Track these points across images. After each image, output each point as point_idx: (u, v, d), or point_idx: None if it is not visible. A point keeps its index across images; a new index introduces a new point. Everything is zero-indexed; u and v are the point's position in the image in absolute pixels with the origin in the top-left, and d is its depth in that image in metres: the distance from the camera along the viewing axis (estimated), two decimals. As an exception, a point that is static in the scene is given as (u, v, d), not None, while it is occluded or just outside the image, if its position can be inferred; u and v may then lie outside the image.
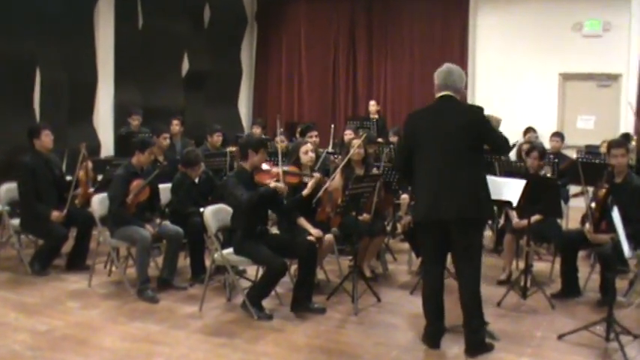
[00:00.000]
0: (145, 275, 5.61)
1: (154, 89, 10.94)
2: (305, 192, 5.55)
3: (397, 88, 12.70)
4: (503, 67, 11.65)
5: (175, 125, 8.88)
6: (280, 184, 5.20)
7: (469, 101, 11.19)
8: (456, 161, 4.18)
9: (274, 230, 5.92)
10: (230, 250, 5.29)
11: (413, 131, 4.40)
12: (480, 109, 4.37)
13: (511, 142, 8.56)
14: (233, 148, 7.83)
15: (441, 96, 4.34)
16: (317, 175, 5.65)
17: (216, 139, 8.47)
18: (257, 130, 10.03)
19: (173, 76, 11.58)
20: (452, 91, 4.31)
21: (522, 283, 5.63)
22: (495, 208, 7.28)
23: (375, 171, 6.29)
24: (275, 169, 5.39)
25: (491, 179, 4.64)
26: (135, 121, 9.26)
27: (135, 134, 8.09)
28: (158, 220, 5.97)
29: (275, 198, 5.34)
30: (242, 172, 5.30)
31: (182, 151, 7.56)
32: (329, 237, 5.70)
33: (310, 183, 5.58)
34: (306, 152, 5.83)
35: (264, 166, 5.39)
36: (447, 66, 4.41)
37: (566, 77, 11.34)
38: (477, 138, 4.26)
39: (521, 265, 6.05)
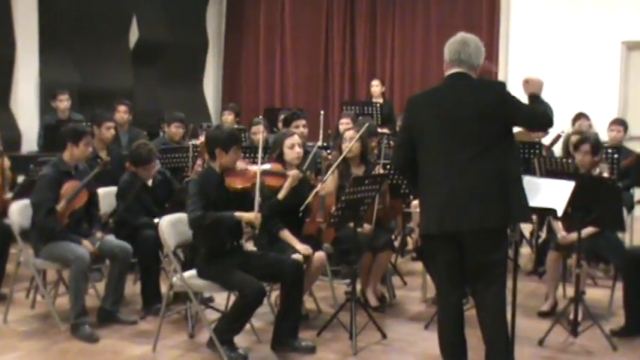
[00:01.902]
0: (80, 306, 5.61)
1: (93, 65, 10.94)
2: (280, 195, 5.61)
3: (408, 63, 12.76)
4: (547, 34, 11.66)
5: (122, 112, 8.90)
6: (252, 215, 5.16)
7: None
8: (474, 155, 4.20)
9: (250, 247, 5.95)
10: (193, 272, 5.32)
11: (416, 119, 4.43)
12: (502, 85, 4.42)
13: (557, 132, 8.65)
14: (199, 141, 7.83)
15: (452, 74, 4.38)
16: (293, 172, 5.70)
17: (174, 130, 8.46)
18: (229, 117, 10.07)
19: (118, 48, 11.61)
20: (466, 68, 4.35)
21: (572, 316, 5.67)
22: (534, 218, 7.33)
23: (378, 170, 6.34)
24: (252, 169, 5.42)
25: (528, 180, 4.67)
26: (62, 104, 9.21)
27: (66, 122, 8.08)
28: (99, 234, 5.98)
29: (246, 206, 5.37)
30: (209, 173, 5.31)
31: (130, 144, 7.58)
32: (320, 255, 5.74)
33: (286, 184, 5.65)
34: (292, 147, 5.87)
35: (240, 165, 5.40)
36: (461, 36, 4.43)
37: (632, 47, 11.29)
38: (503, 121, 4.28)
39: (570, 292, 6.07)
